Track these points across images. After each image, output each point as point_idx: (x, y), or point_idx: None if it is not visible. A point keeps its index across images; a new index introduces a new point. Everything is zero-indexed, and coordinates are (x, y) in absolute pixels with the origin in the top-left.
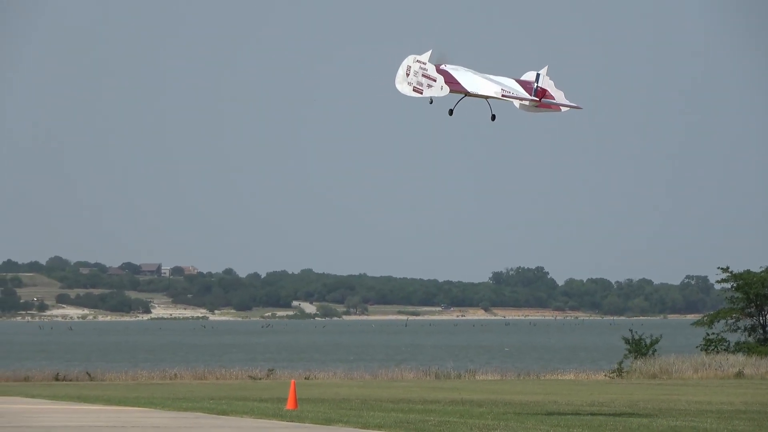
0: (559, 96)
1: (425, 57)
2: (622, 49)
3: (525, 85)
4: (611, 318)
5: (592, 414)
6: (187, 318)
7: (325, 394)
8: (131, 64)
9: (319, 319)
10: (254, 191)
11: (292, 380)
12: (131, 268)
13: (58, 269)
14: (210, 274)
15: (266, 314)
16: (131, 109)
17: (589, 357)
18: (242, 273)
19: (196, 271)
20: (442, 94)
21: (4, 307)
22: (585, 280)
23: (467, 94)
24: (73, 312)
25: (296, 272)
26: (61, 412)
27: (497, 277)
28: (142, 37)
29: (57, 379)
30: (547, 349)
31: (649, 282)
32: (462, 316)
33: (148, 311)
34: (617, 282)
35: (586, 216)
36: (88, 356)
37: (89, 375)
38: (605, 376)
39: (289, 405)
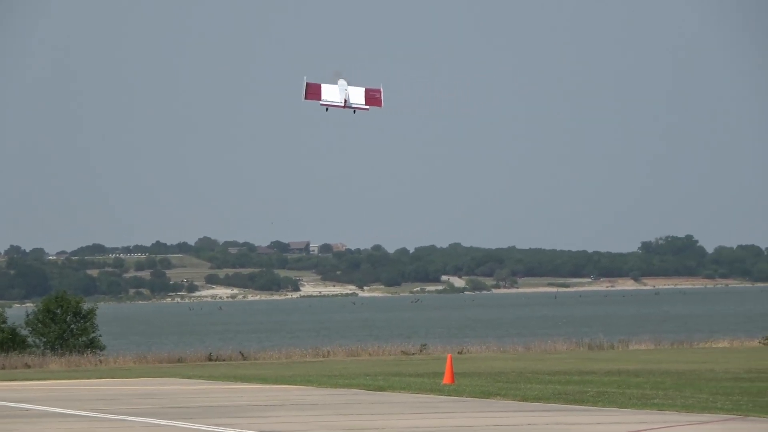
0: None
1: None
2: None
3: (368, 92)
4: (762, 285)
5: (751, 381)
6: (336, 295)
7: (480, 368)
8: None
9: (469, 293)
10: (401, 168)
11: (449, 354)
12: (280, 247)
13: (206, 249)
14: (358, 250)
15: (415, 289)
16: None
17: (743, 325)
18: (390, 249)
19: (344, 248)
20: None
21: (154, 289)
22: (735, 247)
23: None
24: (223, 292)
25: (444, 246)
26: (219, 391)
27: (646, 246)
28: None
29: (210, 360)
30: (699, 318)
31: None
32: (611, 286)
33: (297, 289)
34: None
35: (733, 182)
36: (239, 336)
37: (242, 354)
38: (759, 342)
39: (446, 379)
